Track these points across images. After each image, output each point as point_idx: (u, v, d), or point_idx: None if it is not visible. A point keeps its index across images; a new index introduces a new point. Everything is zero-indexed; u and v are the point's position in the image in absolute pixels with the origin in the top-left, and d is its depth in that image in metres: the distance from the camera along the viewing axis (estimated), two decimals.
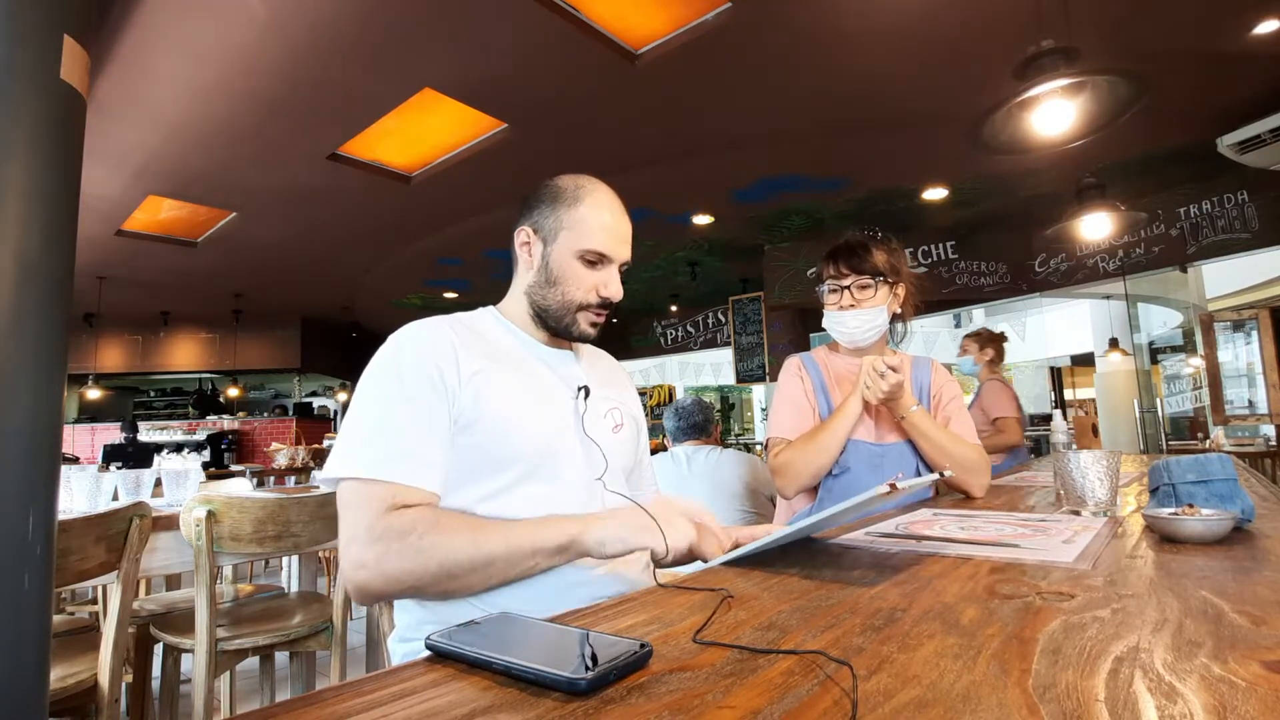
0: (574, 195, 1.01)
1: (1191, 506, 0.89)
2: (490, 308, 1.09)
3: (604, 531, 0.83)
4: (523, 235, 1.03)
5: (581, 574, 0.90)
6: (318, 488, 2.36)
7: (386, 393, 0.88)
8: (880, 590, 0.68)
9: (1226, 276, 7.25)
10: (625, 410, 1.11)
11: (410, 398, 0.87)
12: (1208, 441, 6.29)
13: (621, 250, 1.03)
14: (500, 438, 0.91)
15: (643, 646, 0.49)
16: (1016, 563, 0.78)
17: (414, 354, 0.91)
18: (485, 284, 7.33)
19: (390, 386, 0.88)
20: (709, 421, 2.46)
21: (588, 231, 0.99)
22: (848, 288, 1.51)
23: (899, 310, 1.57)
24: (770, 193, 5.12)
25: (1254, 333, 5.59)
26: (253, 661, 2.13)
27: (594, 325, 1.03)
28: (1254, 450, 5.75)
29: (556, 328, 1.03)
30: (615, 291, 1.02)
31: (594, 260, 1.00)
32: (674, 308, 8.99)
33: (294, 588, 2.46)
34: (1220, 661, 0.45)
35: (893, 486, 0.78)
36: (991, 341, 3.52)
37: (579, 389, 1.01)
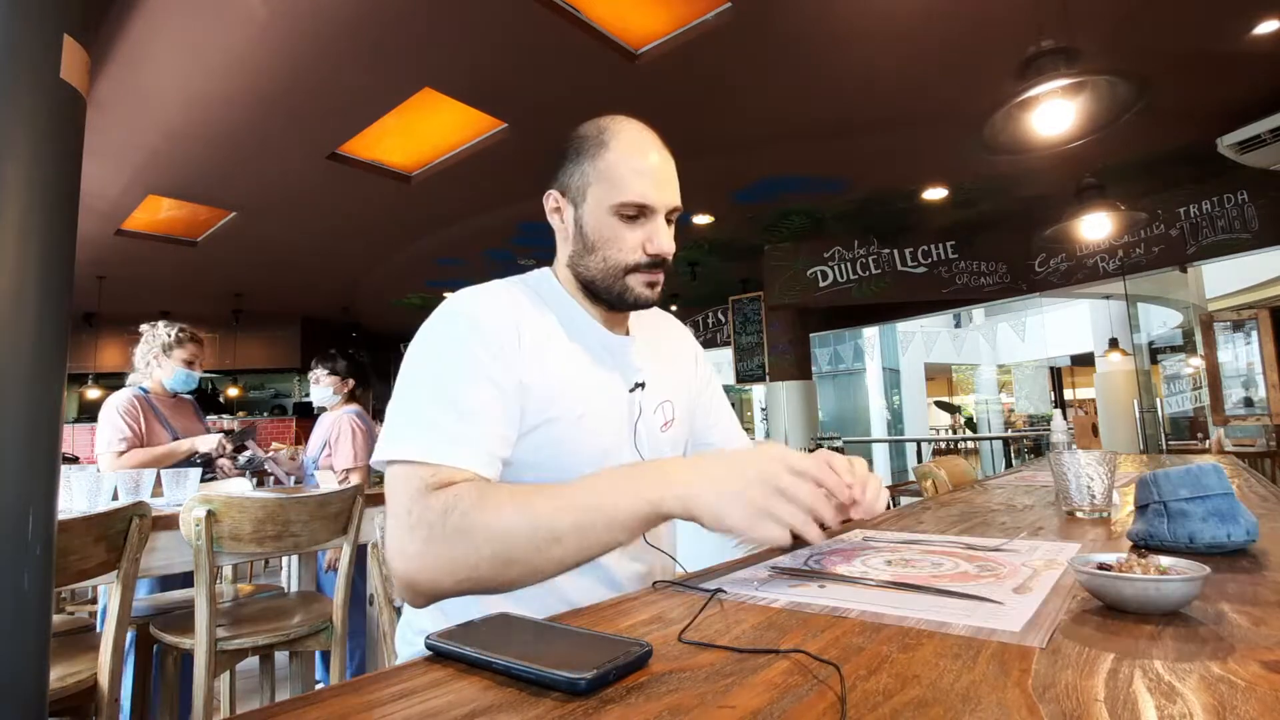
0: (599, 141, 0.86)
1: (1151, 552, 0.75)
2: (547, 270, 0.95)
3: (707, 497, 0.66)
4: (551, 200, 0.90)
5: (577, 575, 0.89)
6: (317, 487, 2.36)
7: (436, 366, 0.79)
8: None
9: (1226, 276, 7.26)
10: (676, 403, 0.98)
11: (463, 369, 0.77)
12: (1208, 442, 6.29)
13: (665, 196, 0.86)
14: (552, 453, 0.83)
15: (642, 646, 0.49)
16: (939, 631, 0.52)
17: (472, 321, 0.81)
18: None
19: (442, 358, 0.79)
20: None
21: (620, 181, 0.84)
22: None
23: None
24: (770, 193, 5.12)
25: (1254, 333, 5.60)
26: (253, 661, 2.13)
27: (651, 286, 0.88)
28: (1254, 450, 5.75)
29: (609, 298, 0.89)
30: (665, 245, 0.86)
31: (633, 214, 0.85)
32: (674, 308, 8.99)
33: (294, 588, 2.46)
34: (1220, 661, 0.45)
35: None
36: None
37: (635, 385, 0.91)
